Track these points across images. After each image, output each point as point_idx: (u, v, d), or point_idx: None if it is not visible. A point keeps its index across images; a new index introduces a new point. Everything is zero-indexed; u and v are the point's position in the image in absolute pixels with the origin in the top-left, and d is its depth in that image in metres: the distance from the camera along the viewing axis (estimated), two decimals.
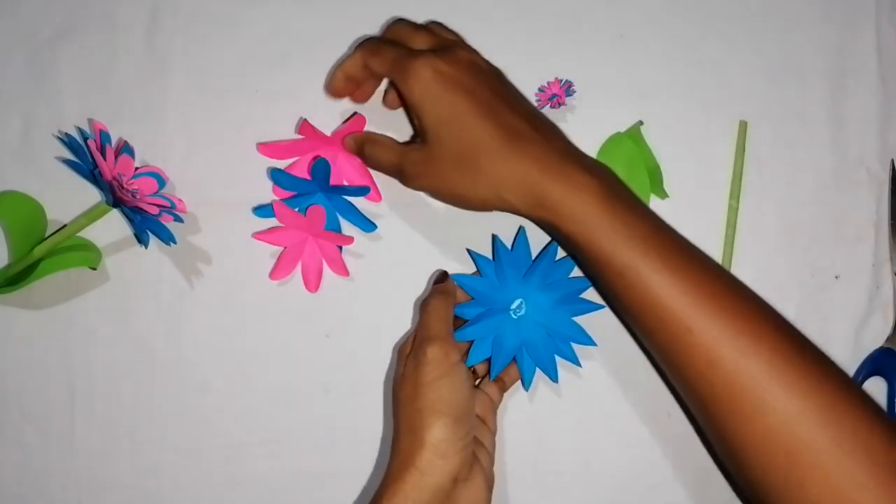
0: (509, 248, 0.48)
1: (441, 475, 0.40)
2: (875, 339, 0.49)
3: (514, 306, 0.46)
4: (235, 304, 0.50)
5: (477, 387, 0.47)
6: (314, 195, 0.49)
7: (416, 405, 0.41)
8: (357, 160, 0.49)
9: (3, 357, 0.50)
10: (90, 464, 0.49)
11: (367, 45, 0.45)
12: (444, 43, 0.45)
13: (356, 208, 0.49)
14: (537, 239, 0.48)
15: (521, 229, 0.47)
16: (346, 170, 0.50)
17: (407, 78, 0.42)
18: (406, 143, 0.48)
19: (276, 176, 0.49)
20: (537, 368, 0.46)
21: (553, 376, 0.46)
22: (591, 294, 0.47)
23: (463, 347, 0.45)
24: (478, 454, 0.44)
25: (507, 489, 0.48)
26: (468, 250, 0.49)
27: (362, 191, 0.49)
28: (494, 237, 0.48)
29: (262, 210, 0.49)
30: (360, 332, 0.50)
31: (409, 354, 0.44)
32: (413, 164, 0.44)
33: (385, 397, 0.49)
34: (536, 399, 0.49)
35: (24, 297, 0.50)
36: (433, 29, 0.46)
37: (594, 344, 0.46)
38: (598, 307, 0.46)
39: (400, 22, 0.47)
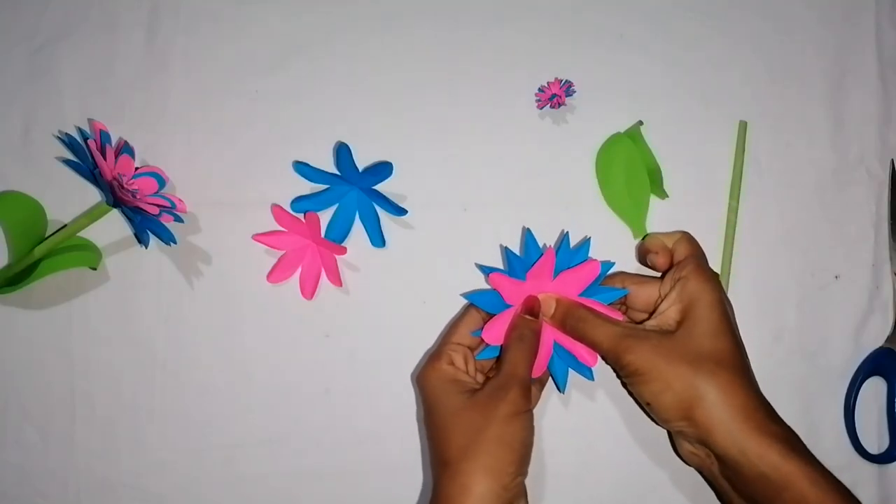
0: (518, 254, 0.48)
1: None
2: (875, 339, 0.49)
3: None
4: (235, 304, 0.50)
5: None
6: (343, 187, 0.49)
7: (486, 434, 0.41)
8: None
9: (3, 357, 0.50)
10: (90, 464, 0.49)
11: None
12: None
13: (384, 196, 0.49)
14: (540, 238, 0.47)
15: (527, 231, 0.47)
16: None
17: (706, 270, 0.44)
18: (620, 324, 0.44)
19: (301, 168, 0.49)
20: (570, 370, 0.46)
21: (588, 374, 0.46)
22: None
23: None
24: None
25: None
26: (479, 265, 0.49)
27: (387, 173, 0.49)
28: (504, 248, 0.49)
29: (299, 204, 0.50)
30: (359, 331, 0.50)
31: (479, 390, 0.43)
32: (649, 348, 0.42)
33: (384, 398, 0.49)
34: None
35: (24, 297, 0.50)
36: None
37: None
38: (621, 293, 0.46)
39: None
